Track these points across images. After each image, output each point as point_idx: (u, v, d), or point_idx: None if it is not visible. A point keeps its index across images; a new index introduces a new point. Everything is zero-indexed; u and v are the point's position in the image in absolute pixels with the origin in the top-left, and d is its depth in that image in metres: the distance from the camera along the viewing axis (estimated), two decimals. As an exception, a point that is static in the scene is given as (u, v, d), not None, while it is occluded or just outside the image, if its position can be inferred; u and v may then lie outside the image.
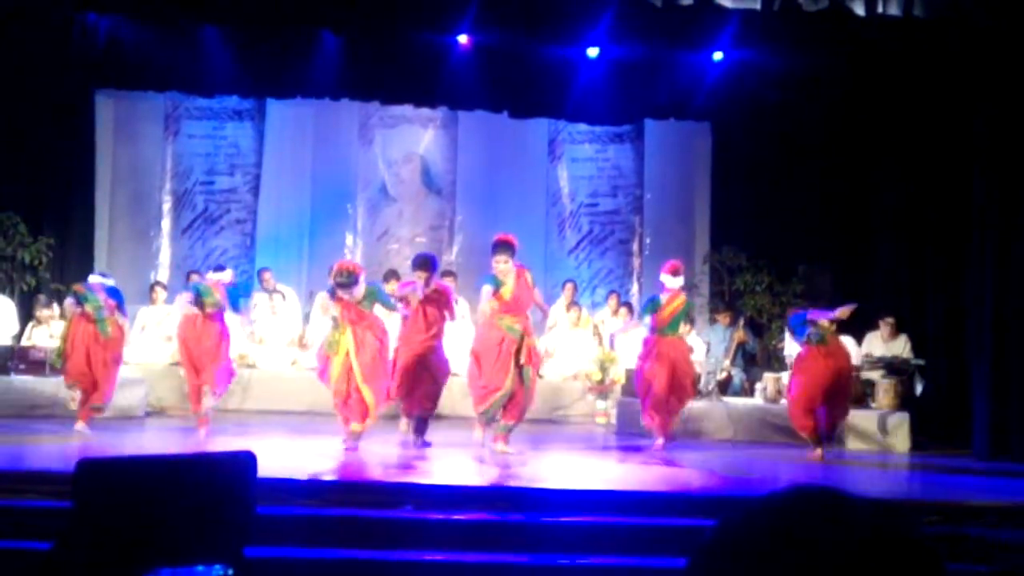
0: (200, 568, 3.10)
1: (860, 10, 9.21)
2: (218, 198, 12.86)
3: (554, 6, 10.57)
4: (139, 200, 12.83)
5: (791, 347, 9.78)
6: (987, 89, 9.30)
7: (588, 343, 11.40)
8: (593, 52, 11.36)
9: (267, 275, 11.75)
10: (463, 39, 11.22)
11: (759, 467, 8.37)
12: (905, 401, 9.99)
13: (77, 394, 8.72)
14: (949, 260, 10.39)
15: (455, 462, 7.86)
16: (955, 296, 10.24)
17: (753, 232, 11.99)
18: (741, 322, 11.37)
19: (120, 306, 9.04)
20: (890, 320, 10.69)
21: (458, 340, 9.89)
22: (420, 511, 6.14)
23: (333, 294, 8.11)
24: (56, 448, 7.95)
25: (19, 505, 5.88)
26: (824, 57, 10.83)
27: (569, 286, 12.14)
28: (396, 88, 11.81)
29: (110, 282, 9.23)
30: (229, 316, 9.16)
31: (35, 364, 9.82)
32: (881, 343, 10.71)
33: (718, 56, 11.33)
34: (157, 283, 11.89)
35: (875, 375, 10.29)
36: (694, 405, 9.78)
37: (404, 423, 8.75)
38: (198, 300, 8.82)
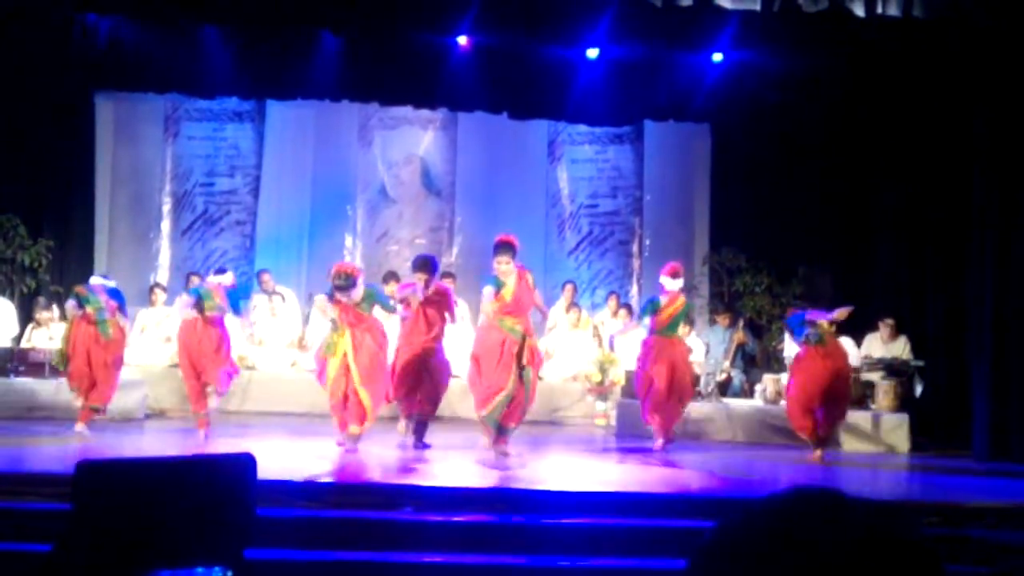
0: (200, 570, 3.09)
1: (860, 11, 9.21)
2: (218, 200, 12.86)
3: (554, 7, 10.58)
4: (139, 202, 12.83)
5: (790, 348, 9.79)
6: (987, 89, 9.30)
7: (588, 344, 11.40)
8: (593, 53, 11.37)
9: (266, 277, 11.75)
10: (463, 40, 11.22)
11: (759, 468, 8.36)
12: (904, 402, 9.99)
13: (82, 398, 8.74)
14: (949, 260, 10.39)
15: (454, 464, 7.85)
16: (955, 296, 10.24)
17: (753, 233, 12.00)
18: (740, 323, 11.37)
19: (121, 307, 9.05)
20: (890, 321, 10.69)
21: (458, 342, 9.89)
22: (420, 513, 6.14)
23: (331, 296, 8.10)
24: (56, 450, 7.94)
25: (19, 507, 5.88)
26: (824, 58, 10.83)
27: (569, 287, 12.14)
28: (396, 89, 11.82)
29: (111, 283, 9.24)
30: (229, 318, 9.16)
31: (35, 366, 9.82)
32: (880, 344, 10.71)
33: (718, 57, 11.33)
34: (157, 285, 11.89)
35: (875, 376, 10.29)
36: (693, 406, 9.79)
37: (403, 425, 8.74)
38: (198, 304, 8.81)
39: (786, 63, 10.98)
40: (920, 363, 10.59)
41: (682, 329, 9.39)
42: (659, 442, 8.87)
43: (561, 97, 11.79)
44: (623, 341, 10.36)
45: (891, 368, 10.40)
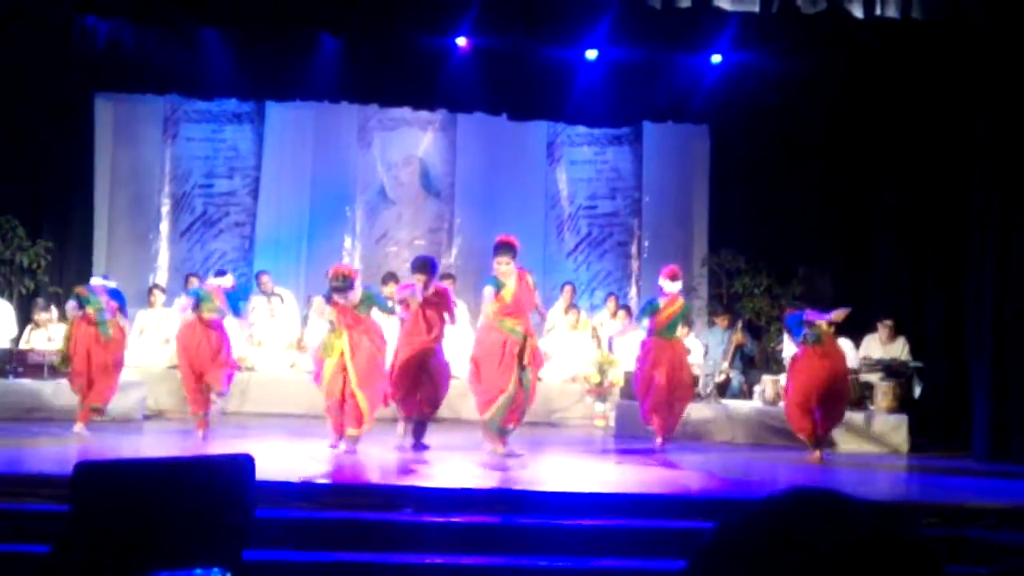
0: (198, 571, 3.09)
1: (858, 12, 9.19)
2: (217, 201, 12.85)
3: (553, 9, 10.57)
4: (138, 203, 12.82)
5: (789, 348, 9.79)
6: (986, 90, 9.31)
7: (587, 345, 11.40)
8: (592, 54, 11.37)
9: (265, 278, 11.75)
10: (462, 42, 11.22)
11: (758, 469, 8.36)
12: (904, 403, 10.00)
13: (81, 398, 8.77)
14: (949, 260, 10.40)
15: (454, 465, 7.84)
16: (955, 296, 10.24)
17: (752, 234, 12.00)
18: (739, 325, 11.37)
19: (122, 308, 9.07)
20: (888, 322, 10.69)
21: (457, 343, 9.88)
22: (419, 514, 6.14)
23: (329, 298, 8.09)
24: (54, 451, 7.94)
25: (17, 508, 5.87)
26: (823, 59, 10.83)
27: (567, 288, 12.14)
28: (395, 91, 11.82)
29: (112, 284, 9.25)
30: (228, 320, 9.17)
31: (33, 367, 9.82)
32: (879, 345, 10.71)
33: (716, 59, 11.33)
34: (156, 286, 11.88)
35: (874, 377, 10.29)
36: (693, 408, 9.80)
37: (402, 427, 8.73)
38: (196, 305, 8.81)
39: (785, 64, 10.99)
40: (919, 364, 10.59)
41: (681, 330, 9.41)
42: (659, 441, 8.91)
43: (560, 98, 11.80)
44: (622, 342, 10.37)
45: (890, 369, 10.40)
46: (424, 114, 12.82)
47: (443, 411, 9.06)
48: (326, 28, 11.10)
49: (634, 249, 13.18)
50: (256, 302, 11.59)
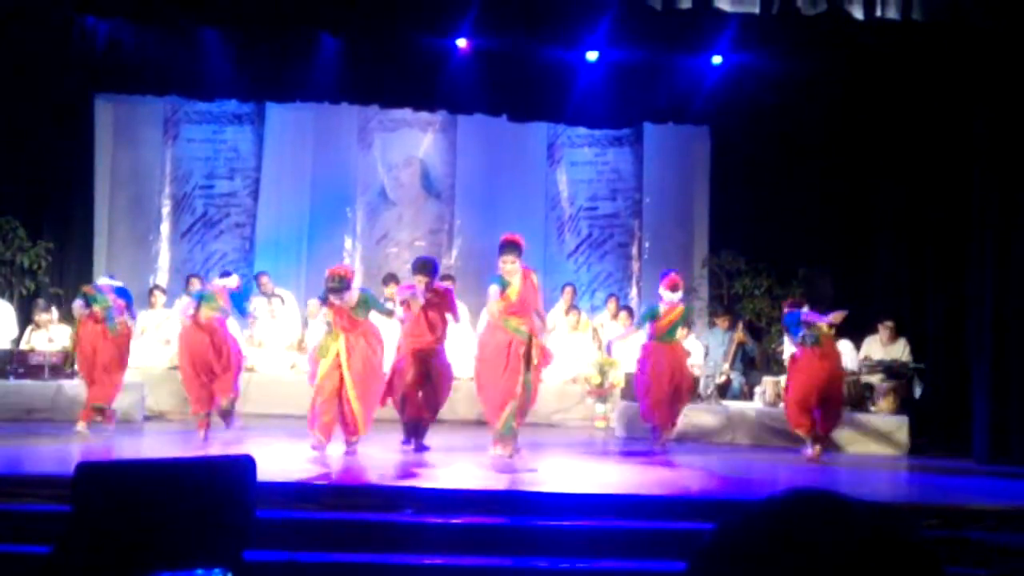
0: (199, 572, 3.09)
1: (859, 13, 9.19)
2: (217, 202, 12.85)
3: (553, 10, 10.57)
4: (138, 204, 12.82)
5: (789, 347, 9.80)
6: (986, 91, 9.31)
7: (587, 347, 11.40)
8: (592, 56, 11.37)
9: (264, 279, 11.75)
10: (462, 43, 11.22)
11: (758, 470, 8.36)
12: (904, 404, 10.00)
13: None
14: (949, 260, 10.39)
15: (454, 466, 7.83)
16: (955, 296, 10.24)
17: (752, 235, 12.00)
18: (740, 325, 11.37)
19: (129, 307, 9.11)
20: (889, 324, 10.69)
21: (458, 344, 9.87)
22: (419, 515, 6.14)
23: (325, 300, 8.07)
24: (55, 452, 7.95)
25: (18, 509, 5.88)
26: (823, 60, 10.83)
27: (568, 290, 12.13)
28: (395, 92, 11.82)
29: (118, 283, 9.28)
30: (229, 321, 9.20)
31: (34, 368, 9.82)
32: (880, 347, 10.71)
33: (717, 60, 11.33)
34: (156, 287, 11.89)
35: (874, 379, 10.30)
36: (693, 409, 9.84)
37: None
38: (197, 306, 8.84)
39: (785, 65, 10.99)
40: (920, 365, 10.59)
41: (680, 332, 9.43)
42: (659, 440, 8.97)
43: (561, 100, 11.80)
44: (622, 345, 10.37)
45: (890, 370, 10.40)
46: (424, 115, 12.82)
47: (443, 412, 9.05)
48: (326, 28, 11.09)
49: (635, 250, 13.18)
50: (256, 303, 11.58)
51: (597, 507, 6.47)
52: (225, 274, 9.50)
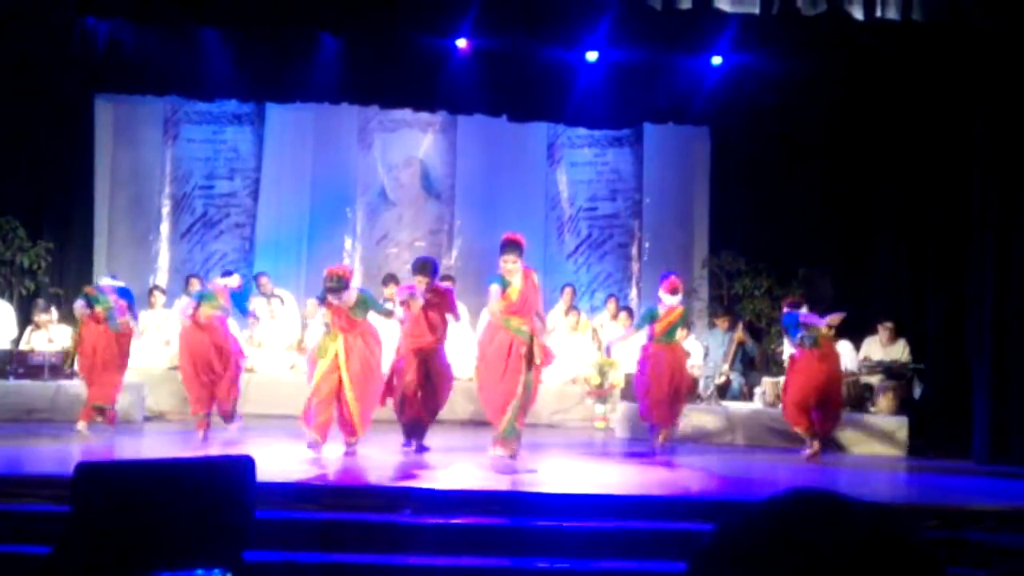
0: (199, 572, 3.09)
1: (859, 14, 9.19)
2: (217, 202, 12.84)
3: (553, 10, 10.57)
4: (138, 204, 12.82)
5: (789, 348, 9.81)
6: (986, 91, 9.32)
7: (587, 347, 11.40)
8: (592, 56, 11.37)
9: (264, 279, 11.75)
10: (462, 43, 11.22)
11: (758, 471, 8.37)
12: (904, 405, 10.00)
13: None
14: (949, 260, 10.40)
15: (453, 466, 7.83)
16: (955, 296, 10.24)
17: (752, 236, 11.99)
18: (740, 325, 11.37)
19: (131, 307, 9.12)
20: (889, 324, 10.70)
21: (458, 344, 9.87)
22: (419, 515, 6.14)
23: (323, 300, 8.05)
24: (55, 452, 7.95)
25: (18, 509, 5.88)
26: (823, 61, 10.83)
27: (568, 290, 12.13)
28: (396, 92, 11.81)
29: (120, 283, 9.28)
30: (230, 321, 9.21)
31: (34, 368, 9.82)
32: (880, 347, 10.72)
33: (717, 60, 11.33)
34: (156, 287, 11.89)
35: (874, 379, 10.30)
36: (693, 409, 9.86)
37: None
38: (197, 306, 8.85)
39: (785, 66, 10.99)
40: (919, 366, 10.59)
41: (680, 332, 9.44)
42: (659, 439, 8.99)
43: (560, 100, 11.79)
44: (621, 346, 10.37)
45: (890, 371, 10.40)
46: (424, 115, 12.81)
47: (443, 412, 9.05)
48: (326, 29, 11.10)
49: (634, 251, 13.17)
50: (256, 304, 11.58)
51: (597, 508, 6.47)
52: (227, 273, 9.53)
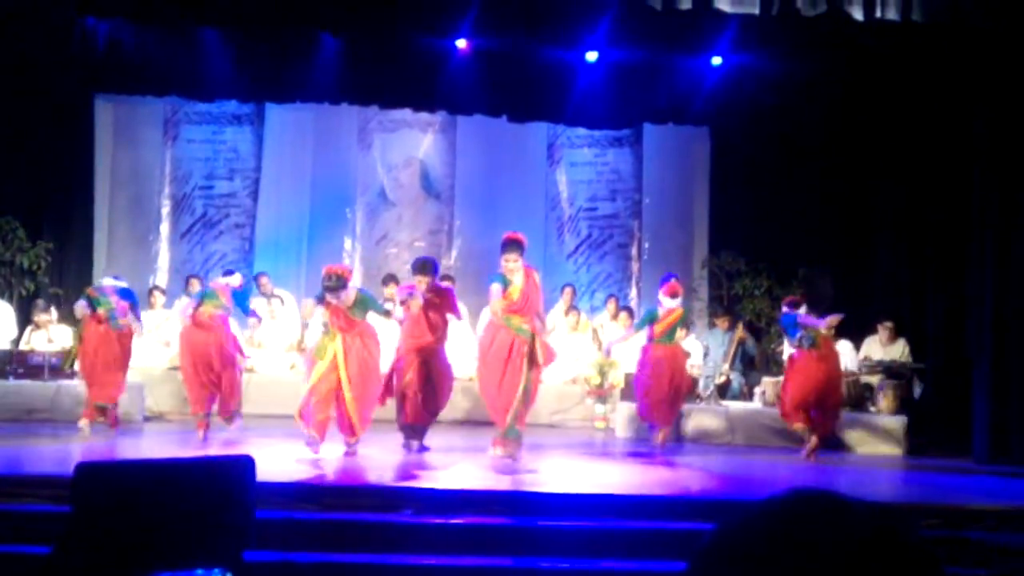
0: (199, 572, 3.09)
1: (858, 14, 9.19)
2: (217, 202, 12.84)
3: (553, 10, 10.57)
4: (138, 204, 12.82)
5: (789, 347, 9.81)
6: (986, 91, 9.32)
7: (587, 347, 11.40)
8: (592, 56, 11.37)
9: (264, 280, 11.75)
10: (462, 43, 11.22)
11: (758, 470, 8.37)
12: (904, 404, 10.00)
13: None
14: (949, 260, 10.40)
15: (454, 466, 7.83)
16: (955, 296, 10.25)
17: (752, 236, 12.00)
18: (740, 325, 11.38)
19: (134, 307, 9.13)
20: (889, 324, 10.70)
21: (459, 344, 9.87)
22: (419, 515, 6.14)
23: (322, 299, 8.04)
24: (55, 452, 7.95)
25: (18, 509, 5.88)
26: (823, 61, 10.83)
27: (568, 290, 12.13)
28: (395, 92, 11.82)
29: (122, 284, 9.28)
30: (231, 321, 9.22)
31: (33, 369, 9.83)
32: (880, 347, 10.72)
33: (717, 61, 11.33)
34: (156, 287, 11.89)
35: (874, 379, 10.31)
36: (693, 409, 9.86)
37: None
38: (198, 305, 8.85)
39: (785, 66, 10.99)
40: (919, 365, 10.60)
41: (680, 332, 9.46)
42: (659, 438, 9.00)
43: (560, 100, 11.79)
44: (621, 347, 10.38)
45: (890, 370, 10.41)
46: (424, 116, 12.81)
47: (443, 412, 9.05)
48: (326, 29, 11.10)
49: (634, 251, 13.17)
50: (256, 304, 11.59)
51: (597, 507, 6.48)
52: (228, 272, 9.55)
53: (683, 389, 9.25)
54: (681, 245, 12.97)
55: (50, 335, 10.45)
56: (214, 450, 8.03)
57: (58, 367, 9.85)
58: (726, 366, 11.06)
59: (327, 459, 7.76)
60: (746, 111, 11.69)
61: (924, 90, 10.50)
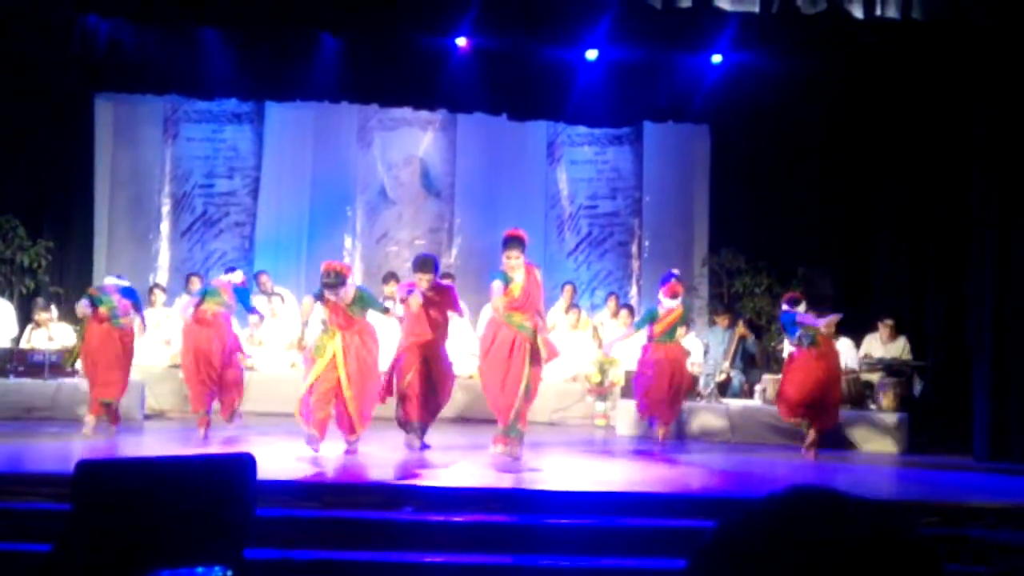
0: (200, 570, 3.09)
1: (858, 12, 9.19)
2: (217, 201, 12.84)
3: (553, 9, 10.57)
4: (138, 203, 12.83)
5: (789, 345, 9.82)
6: (986, 90, 9.32)
7: (587, 345, 11.40)
8: (592, 54, 11.37)
9: (264, 278, 11.76)
10: (462, 42, 11.22)
11: (758, 468, 8.37)
12: (904, 402, 10.01)
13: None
14: (949, 260, 10.40)
15: (455, 464, 7.83)
16: (955, 296, 10.25)
17: (752, 234, 12.00)
18: (740, 323, 11.38)
19: (137, 306, 9.13)
20: (889, 322, 10.71)
21: (460, 342, 9.87)
22: (420, 513, 6.14)
23: (320, 296, 8.03)
24: (55, 450, 7.96)
25: (18, 507, 5.88)
26: (823, 59, 10.84)
27: (568, 288, 12.13)
28: (395, 91, 11.82)
29: (125, 283, 9.28)
30: (233, 319, 9.24)
31: (34, 367, 9.83)
32: (880, 345, 10.73)
33: (717, 59, 11.34)
34: (156, 286, 11.88)
35: (874, 377, 10.31)
36: (693, 407, 9.87)
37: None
38: (200, 303, 8.86)
39: (785, 64, 10.99)
40: (920, 363, 10.60)
41: (680, 331, 9.46)
42: (659, 435, 9.05)
43: (560, 98, 11.80)
44: (621, 345, 10.38)
45: (890, 368, 10.41)
46: (424, 114, 12.81)
47: (443, 409, 9.05)
48: (326, 28, 11.10)
49: (635, 249, 13.18)
50: (256, 302, 11.58)
51: (598, 505, 6.48)
52: (230, 270, 9.57)
53: (683, 388, 9.27)
54: (681, 243, 12.97)
55: (50, 333, 10.45)
56: (215, 448, 8.03)
57: (58, 365, 9.85)
58: (726, 364, 11.07)
59: (327, 457, 7.76)
60: (746, 109, 11.69)
61: (924, 89, 10.50)
